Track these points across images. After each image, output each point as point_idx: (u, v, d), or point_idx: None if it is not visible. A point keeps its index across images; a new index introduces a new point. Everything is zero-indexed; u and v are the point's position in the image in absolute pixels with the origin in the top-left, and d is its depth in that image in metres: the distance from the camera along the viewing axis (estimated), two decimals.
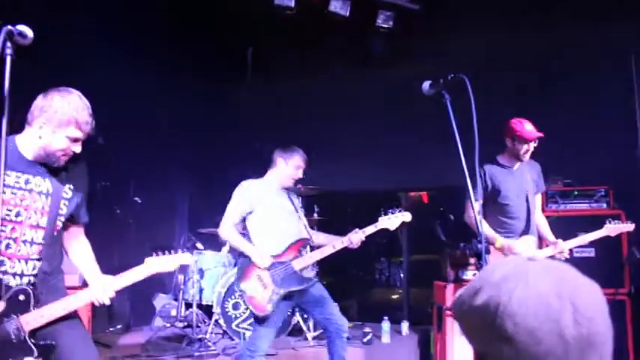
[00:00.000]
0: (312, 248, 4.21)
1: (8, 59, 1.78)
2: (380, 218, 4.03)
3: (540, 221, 4.34)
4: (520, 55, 5.69)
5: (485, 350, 1.03)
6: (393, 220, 4.04)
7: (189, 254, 2.86)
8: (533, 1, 5.38)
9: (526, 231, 4.18)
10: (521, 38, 5.53)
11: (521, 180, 4.18)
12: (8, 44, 1.79)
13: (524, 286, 0.98)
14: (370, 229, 3.99)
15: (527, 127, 4.03)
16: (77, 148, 2.54)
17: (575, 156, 5.49)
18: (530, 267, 1.02)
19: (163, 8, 5.64)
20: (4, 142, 1.78)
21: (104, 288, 2.62)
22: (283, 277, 3.87)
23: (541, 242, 4.38)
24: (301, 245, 4.07)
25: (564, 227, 4.69)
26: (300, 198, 4.47)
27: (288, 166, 4.08)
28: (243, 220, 4.02)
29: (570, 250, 4.13)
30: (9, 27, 1.80)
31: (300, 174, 4.12)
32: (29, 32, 1.87)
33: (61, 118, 2.42)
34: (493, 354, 1.00)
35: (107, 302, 2.64)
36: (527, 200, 4.18)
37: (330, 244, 3.96)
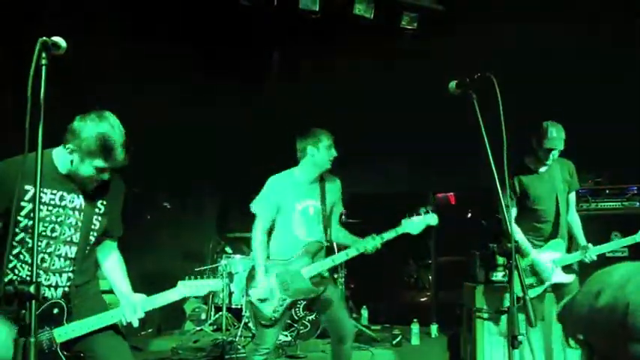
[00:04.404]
0: (333, 248, 3.98)
1: (44, 69, 1.83)
2: (403, 221, 3.75)
3: (573, 221, 4.25)
4: (548, 54, 5.63)
5: (613, 354, 1.02)
6: (416, 224, 3.75)
7: (219, 280, 3.01)
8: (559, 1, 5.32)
9: (554, 234, 4.12)
10: (550, 37, 5.46)
11: (550, 182, 4.11)
12: (43, 55, 1.85)
13: None
14: (389, 235, 3.73)
15: (551, 135, 3.90)
16: (105, 176, 2.55)
17: (607, 154, 5.40)
18: None
19: (191, 14, 5.73)
20: (40, 148, 1.82)
21: (134, 309, 2.65)
22: (291, 285, 3.70)
23: (571, 242, 4.32)
24: (315, 250, 3.79)
25: (596, 226, 4.61)
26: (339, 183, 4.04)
27: (321, 151, 3.80)
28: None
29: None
30: (44, 38, 1.86)
31: (334, 152, 3.84)
32: (62, 43, 1.92)
33: (88, 148, 2.44)
34: (622, 356, 0.99)
35: (135, 324, 2.66)
36: (557, 202, 4.11)
37: (344, 251, 3.76)
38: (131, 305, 2.66)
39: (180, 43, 5.79)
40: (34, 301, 1.65)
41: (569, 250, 4.20)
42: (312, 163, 3.85)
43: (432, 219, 3.79)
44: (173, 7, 5.56)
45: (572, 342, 1.09)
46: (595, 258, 4.03)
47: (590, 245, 4.05)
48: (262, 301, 3.68)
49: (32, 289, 1.65)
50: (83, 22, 4.96)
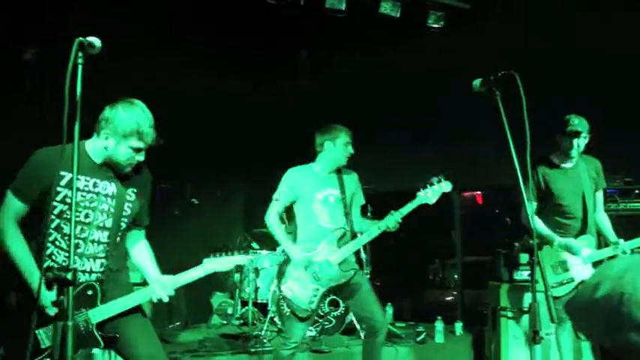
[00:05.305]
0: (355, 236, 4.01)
1: (80, 68, 1.93)
2: (417, 193, 3.78)
3: (602, 220, 4.21)
4: (575, 51, 5.57)
5: (612, 344, 1.03)
6: (431, 194, 3.78)
7: (244, 255, 3.01)
8: None
9: (583, 231, 4.09)
10: (575, 34, 5.41)
11: (576, 179, 4.08)
12: (80, 54, 1.94)
13: None
14: (407, 208, 3.76)
15: (572, 122, 3.91)
16: (141, 157, 2.71)
17: (636, 153, 5.32)
18: None
19: (221, 12, 5.83)
20: (77, 145, 1.92)
21: (164, 287, 2.77)
22: (322, 273, 3.78)
23: (600, 241, 4.27)
24: (338, 236, 3.88)
25: (625, 227, 4.55)
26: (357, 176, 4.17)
27: (337, 146, 3.92)
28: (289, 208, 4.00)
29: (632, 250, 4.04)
30: (80, 38, 1.96)
31: (350, 149, 3.95)
32: (97, 42, 2.03)
33: (124, 130, 2.60)
34: (621, 346, 1.01)
35: (166, 300, 2.78)
36: (583, 199, 4.08)
37: (366, 232, 3.82)
38: (161, 283, 2.78)
39: (207, 38, 5.89)
40: (71, 288, 1.75)
41: (598, 248, 4.16)
42: (329, 158, 3.96)
43: (447, 186, 3.83)
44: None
45: (580, 335, 1.12)
46: (629, 252, 3.96)
47: (621, 241, 3.99)
48: (295, 295, 3.76)
49: (69, 275, 1.74)
50: (106, 9, 5.08)
